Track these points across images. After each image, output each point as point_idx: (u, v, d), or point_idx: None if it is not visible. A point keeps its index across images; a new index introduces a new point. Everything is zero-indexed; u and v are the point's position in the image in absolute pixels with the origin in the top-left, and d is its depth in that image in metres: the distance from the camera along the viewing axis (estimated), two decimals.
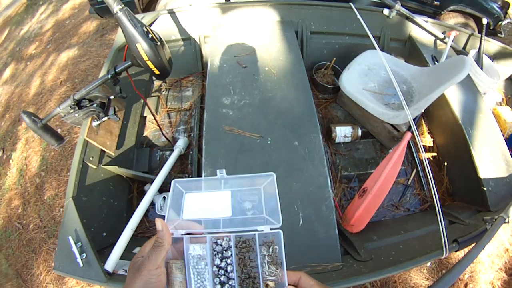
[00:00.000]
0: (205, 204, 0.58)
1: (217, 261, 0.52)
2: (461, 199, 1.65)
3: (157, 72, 1.18)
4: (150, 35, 1.11)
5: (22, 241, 2.38)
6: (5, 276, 2.33)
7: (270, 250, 0.52)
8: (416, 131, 1.33)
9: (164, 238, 0.48)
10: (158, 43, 1.14)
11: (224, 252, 0.52)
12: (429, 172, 1.21)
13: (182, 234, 0.53)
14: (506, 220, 1.16)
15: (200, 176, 1.28)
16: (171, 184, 0.58)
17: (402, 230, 1.41)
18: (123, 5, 1.05)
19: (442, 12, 2.69)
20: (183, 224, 0.54)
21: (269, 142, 1.27)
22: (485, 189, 1.42)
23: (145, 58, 1.11)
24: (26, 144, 2.84)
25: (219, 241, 0.53)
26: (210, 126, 1.32)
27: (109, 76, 1.21)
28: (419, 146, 1.29)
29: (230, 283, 0.50)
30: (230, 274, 0.51)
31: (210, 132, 1.30)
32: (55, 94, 3.13)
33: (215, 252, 0.52)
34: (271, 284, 0.50)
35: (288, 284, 0.50)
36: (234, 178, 0.60)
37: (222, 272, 0.51)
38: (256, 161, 1.22)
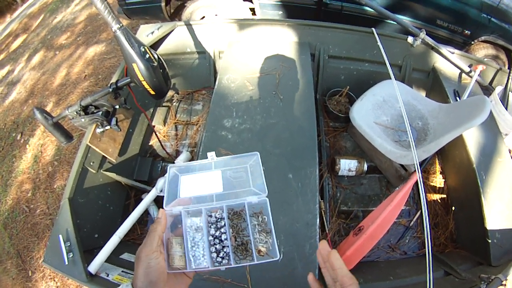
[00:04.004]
0: (199, 183, 0.64)
1: (212, 231, 0.57)
2: (464, 247, 1.56)
3: (152, 92, 1.19)
4: (147, 56, 1.11)
5: (27, 224, 2.48)
6: (7, 253, 2.44)
7: (260, 219, 0.58)
8: (421, 176, 1.26)
9: (158, 224, 0.53)
10: (155, 64, 1.15)
11: (218, 222, 0.57)
12: (426, 225, 1.14)
13: (179, 210, 0.58)
14: (503, 282, 1.09)
15: None
16: (167, 169, 0.65)
17: (392, 275, 1.34)
18: (121, 24, 1.06)
19: (473, 43, 2.54)
20: (180, 201, 0.60)
21: None
22: (489, 241, 1.34)
23: (141, 78, 1.13)
24: (44, 132, 2.95)
25: (213, 214, 0.59)
26: (206, 147, 1.31)
27: (111, 89, 1.24)
28: (421, 195, 1.21)
29: (225, 250, 0.55)
30: (225, 242, 0.55)
31: (206, 153, 1.29)
32: (78, 87, 3.25)
33: (209, 224, 0.57)
34: (262, 249, 0.55)
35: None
36: (223, 159, 0.67)
37: (218, 241, 0.56)
38: None
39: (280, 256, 0.56)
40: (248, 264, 0.54)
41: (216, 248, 0.55)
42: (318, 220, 1.15)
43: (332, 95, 2.02)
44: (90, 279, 1.18)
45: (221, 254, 0.55)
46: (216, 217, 0.58)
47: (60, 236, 1.22)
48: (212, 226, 0.57)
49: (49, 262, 1.22)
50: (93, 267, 1.23)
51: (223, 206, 0.58)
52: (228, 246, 0.55)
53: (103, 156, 1.53)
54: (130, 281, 0.49)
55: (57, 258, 1.20)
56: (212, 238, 0.56)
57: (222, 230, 0.56)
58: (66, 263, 1.18)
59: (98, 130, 1.43)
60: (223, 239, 0.56)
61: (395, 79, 1.64)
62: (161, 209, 0.56)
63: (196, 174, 0.66)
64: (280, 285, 1.06)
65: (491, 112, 1.65)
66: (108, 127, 1.40)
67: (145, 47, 1.17)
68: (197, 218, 0.58)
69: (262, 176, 0.62)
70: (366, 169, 1.70)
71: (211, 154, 0.66)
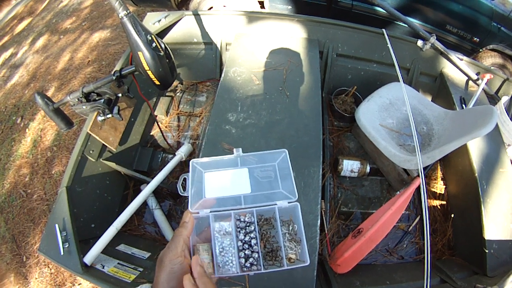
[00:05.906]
0: (225, 182, 0.61)
1: (241, 236, 0.55)
2: (460, 255, 1.55)
3: (157, 82, 1.16)
4: (154, 44, 1.08)
5: (24, 209, 2.46)
6: (2, 238, 2.42)
7: (290, 228, 0.56)
8: (425, 183, 1.24)
9: (184, 228, 0.51)
10: (162, 53, 1.12)
11: (247, 227, 0.55)
12: (427, 231, 1.13)
13: (207, 213, 0.56)
14: None
15: None
16: (190, 164, 0.61)
17: (389, 280, 1.34)
18: (129, 11, 1.03)
19: (481, 50, 2.53)
20: (206, 201, 0.58)
21: None
22: (486, 251, 1.33)
23: (146, 67, 1.10)
24: (45, 117, 2.92)
25: (241, 218, 0.56)
26: (209, 141, 1.29)
27: (114, 77, 1.21)
28: (422, 201, 1.20)
29: (254, 256, 0.53)
30: (254, 247, 0.54)
31: (209, 147, 1.27)
32: (81, 72, 3.20)
33: (239, 229, 0.55)
34: (293, 256, 0.54)
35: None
36: (249, 155, 0.63)
37: (247, 246, 0.54)
38: None
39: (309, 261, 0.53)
40: (278, 270, 0.53)
41: (245, 253, 0.53)
42: (319, 221, 1.14)
43: (338, 94, 1.99)
44: (86, 270, 1.16)
45: (250, 260, 0.53)
46: (245, 221, 0.56)
47: (57, 225, 1.20)
48: (241, 231, 0.55)
49: (45, 251, 1.20)
50: (88, 258, 1.21)
51: (253, 210, 0.56)
52: (257, 252, 0.53)
53: (103, 144, 1.51)
54: (150, 285, 0.47)
55: (52, 248, 1.18)
56: (241, 244, 0.54)
57: (252, 235, 0.55)
58: (62, 253, 1.16)
59: (100, 118, 1.41)
60: (252, 244, 0.54)
61: (403, 82, 1.62)
62: (187, 212, 0.53)
63: (221, 171, 0.62)
64: (278, 285, 1.05)
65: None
66: (109, 116, 1.37)
67: (152, 36, 1.14)
68: (226, 222, 0.56)
69: (291, 177, 0.59)
70: (368, 171, 1.68)
71: (238, 150, 0.63)
